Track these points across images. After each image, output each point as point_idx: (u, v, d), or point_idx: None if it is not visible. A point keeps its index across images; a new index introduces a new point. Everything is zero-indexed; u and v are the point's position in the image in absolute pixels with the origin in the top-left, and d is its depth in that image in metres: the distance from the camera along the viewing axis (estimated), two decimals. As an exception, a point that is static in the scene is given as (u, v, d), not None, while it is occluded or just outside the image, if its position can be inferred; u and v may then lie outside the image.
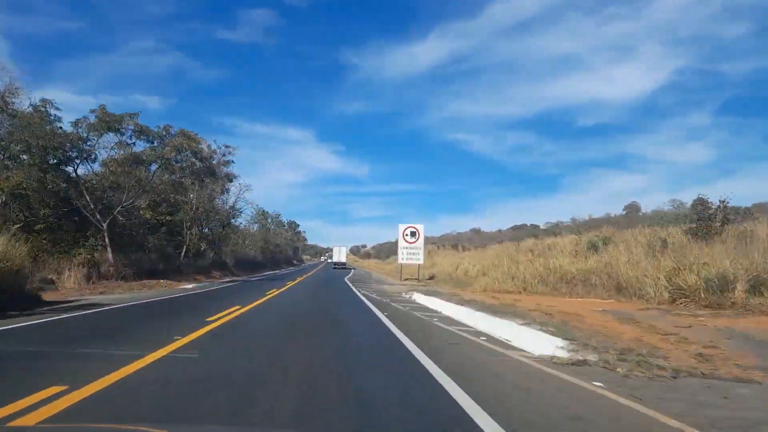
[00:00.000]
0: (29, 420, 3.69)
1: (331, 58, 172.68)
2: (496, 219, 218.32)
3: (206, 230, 39.53)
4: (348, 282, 29.89)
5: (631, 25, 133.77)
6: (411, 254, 31.02)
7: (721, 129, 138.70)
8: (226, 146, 37.29)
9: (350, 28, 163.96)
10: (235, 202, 43.90)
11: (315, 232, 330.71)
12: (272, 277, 35.90)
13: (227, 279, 32.30)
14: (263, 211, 71.29)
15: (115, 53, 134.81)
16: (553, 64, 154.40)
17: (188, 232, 33.77)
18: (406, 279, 31.76)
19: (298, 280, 32.60)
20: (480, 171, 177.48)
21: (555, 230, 43.13)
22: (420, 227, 31.24)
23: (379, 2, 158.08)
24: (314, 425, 3.92)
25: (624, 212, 56.57)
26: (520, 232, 55.68)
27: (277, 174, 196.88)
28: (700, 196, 19.81)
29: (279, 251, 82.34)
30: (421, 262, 31.72)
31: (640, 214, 47.64)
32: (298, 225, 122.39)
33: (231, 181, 39.76)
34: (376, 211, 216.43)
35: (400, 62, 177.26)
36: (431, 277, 32.47)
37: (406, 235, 31.04)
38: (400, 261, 32.27)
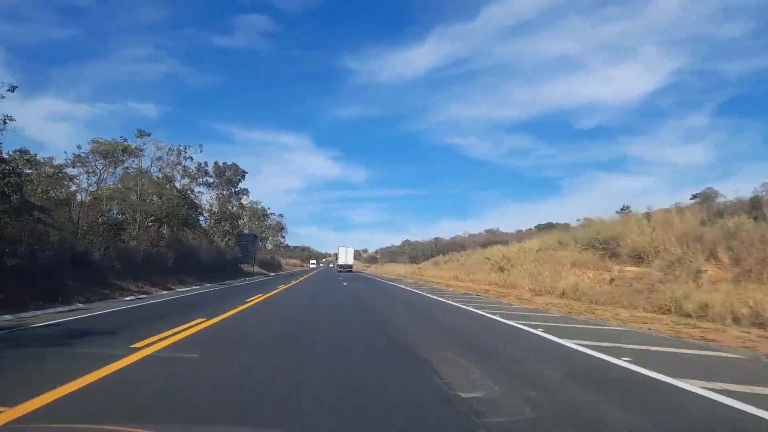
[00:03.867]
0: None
1: (327, 63, 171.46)
2: (493, 222, 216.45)
3: None
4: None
5: (628, 26, 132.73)
6: None
7: (720, 129, 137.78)
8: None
9: (346, 32, 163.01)
10: None
11: (312, 238, 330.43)
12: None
13: None
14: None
15: (109, 61, 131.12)
16: (551, 66, 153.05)
17: None
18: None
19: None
20: (478, 174, 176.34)
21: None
22: None
23: (374, 6, 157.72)
24: None
25: (692, 200, 46.78)
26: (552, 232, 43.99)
27: (273, 180, 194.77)
28: None
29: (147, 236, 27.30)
30: None
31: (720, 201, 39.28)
32: (245, 184, 55.50)
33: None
34: (374, 217, 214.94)
35: (396, 66, 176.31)
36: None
37: None
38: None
